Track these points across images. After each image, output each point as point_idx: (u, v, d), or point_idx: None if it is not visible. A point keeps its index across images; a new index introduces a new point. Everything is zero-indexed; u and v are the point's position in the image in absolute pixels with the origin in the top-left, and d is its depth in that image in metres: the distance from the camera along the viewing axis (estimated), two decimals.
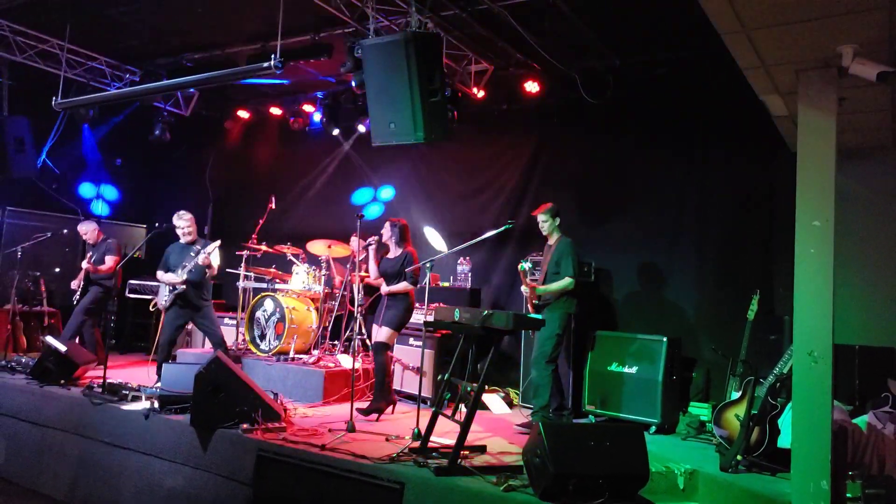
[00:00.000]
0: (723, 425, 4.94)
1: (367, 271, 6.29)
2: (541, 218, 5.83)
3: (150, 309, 6.87)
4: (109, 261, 7.52)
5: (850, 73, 3.73)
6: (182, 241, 6.54)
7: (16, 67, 8.16)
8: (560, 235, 5.82)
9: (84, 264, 7.50)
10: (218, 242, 6.31)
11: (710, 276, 6.79)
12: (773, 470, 4.48)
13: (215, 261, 6.43)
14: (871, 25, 3.49)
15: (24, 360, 6.99)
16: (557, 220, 5.82)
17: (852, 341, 5.34)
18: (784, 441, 4.56)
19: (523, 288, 5.67)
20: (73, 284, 7.62)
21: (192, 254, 6.27)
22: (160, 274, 6.48)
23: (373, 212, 9.08)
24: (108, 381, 5.90)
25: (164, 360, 6.17)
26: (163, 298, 6.45)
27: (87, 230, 7.81)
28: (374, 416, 5.72)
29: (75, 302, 7.55)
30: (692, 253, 6.88)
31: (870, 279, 5.74)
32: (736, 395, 4.96)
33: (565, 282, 5.58)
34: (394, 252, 6.10)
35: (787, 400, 4.55)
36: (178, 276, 6.30)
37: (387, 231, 6.10)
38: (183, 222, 6.52)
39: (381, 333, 5.90)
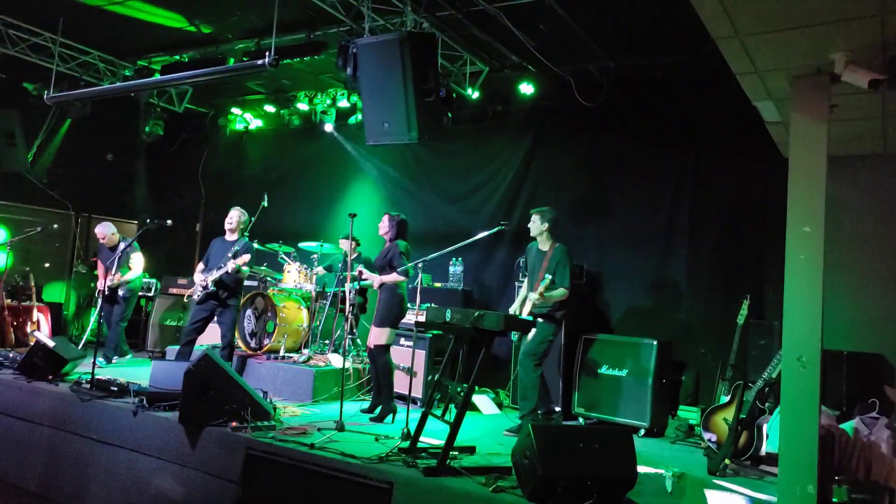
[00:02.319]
0: (711, 429, 4.97)
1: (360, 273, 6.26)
2: (535, 217, 5.71)
3: (185, 300, 6.89)
4: (136, 266, 7.62)
5: (842, 80, 3.75)
6: (226, 236, 6.66)
7: (7, 60, 8.10)
8: (554, 242, 5.71)
9: (106, 281, 7.44)
10: (247, 257, 6.33)
11: (701, 281, 6.81)
12: (760, 474, 4.51)
13: (244, 266, 6.49)
14: (863, 33, 3.51)
15: (11, 355, 6.95)
16: (546, 226, 5.66)
17: (841, 347, 5.37)
18: (772, 445, 4.59)
19: (534, 295, 5.45)
20: (100, 285, 7.63)
21: (230, 254, 6.36)
22: (198, 269, 6.64)
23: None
24: (96, 376, 5.86)
25: (184, 354, 6.37)
26: (196, 292, 6.56)
27: (106, 233, 7.75)
28: (390, 417, 5.67)
29: (100, 301, 7.58)
30: (684, 257, 6.91)
31: (859, 285, 5.78)
32: (725, 399, 4.99)
33: (561, 292, 5.49)
34: (386, 245, 6.03)
35: (775, 404, 4.58)
36: (208, 277, 6.43)
37: (384, 224, 5.96)
38: (231, 213, 6.70)
39: (376, 334, 5.76)
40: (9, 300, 8.30)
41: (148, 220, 6.77)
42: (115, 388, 5.72)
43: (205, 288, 6.45)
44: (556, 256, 5.60)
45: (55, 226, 8.78)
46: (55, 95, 7.59)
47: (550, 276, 5.39)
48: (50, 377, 6.25)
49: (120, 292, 7.60)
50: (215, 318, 6.56)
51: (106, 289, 7.46)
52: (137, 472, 5.17)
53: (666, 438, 5.81)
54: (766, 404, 4.68)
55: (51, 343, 6.42)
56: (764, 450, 4.70)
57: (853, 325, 5.67)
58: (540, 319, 5.49)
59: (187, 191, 10.73)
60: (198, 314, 6.56)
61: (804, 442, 3.65)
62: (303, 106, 9.17)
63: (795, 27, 3.50)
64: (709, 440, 4.96)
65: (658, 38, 6.45)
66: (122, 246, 7.52)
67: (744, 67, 4.10)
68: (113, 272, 7.41)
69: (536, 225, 5.72)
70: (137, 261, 7.65)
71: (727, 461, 4.56)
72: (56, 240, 9.73)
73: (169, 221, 6.72)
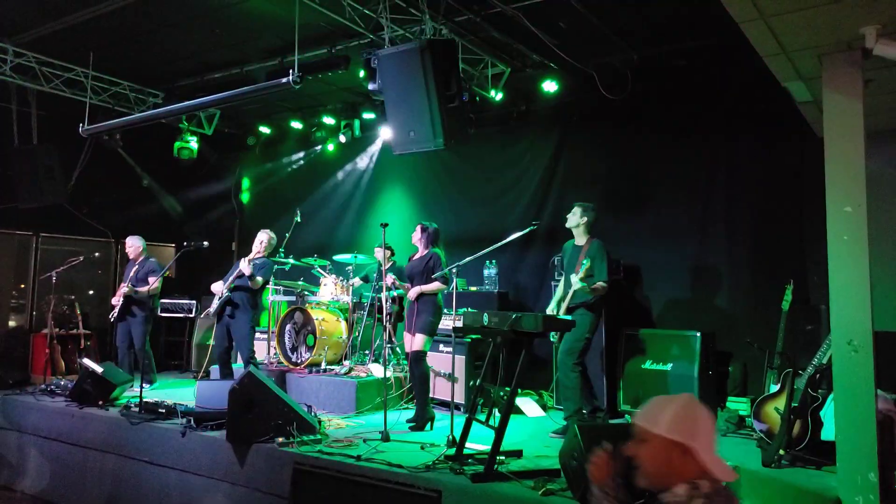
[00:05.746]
0: (763, 419, 4.85)
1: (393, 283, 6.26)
2: (577, 209, 5.67)
3: (202, 317, 7.06)
4: (151, 281, 7.55)
5: (874, 54, 3.64)
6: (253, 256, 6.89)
7: (43, 97, 8.35)
8: (591, 237, 5.68)
9: (124, 288, 7.49)
10: (244, 259, 6.45)
11: (741, 268, 6.67)
12: (817, 463, 4.38)
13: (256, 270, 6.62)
14: (893, 4, 3.40)
15: (62, 383, 7.12)
16: (585, 219, 5.64)
17: (893, 328, 5.20)
18: (827, 433, 4.46)
19: (575, 278, 5.37)
20: (114, 300, 7.65)
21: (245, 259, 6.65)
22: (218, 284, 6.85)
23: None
24: (144, 399, 5.98)
25: (225, 374, 6.64)
26: (213, 304, 6.73)
27: (132, 244, 7.87)
28: (428, 425, 5.67)
29: (112, 319, 7.60)
30: (722, 245, 6.77)
31: None
32: (775, 388, 4.87)
33: (600, 285, 5.43)
34: (420, 253, 6.03)
35: (828, 391, 4.46)
36: (225, 285, 6.66)
37: (417, 233, 6.04)
38: (260, 235, 6.93)
39: (415, 342, 5.77)
40: (56, 329, 8.53)
41: (185, 243, 6.89)
42: (163, 410, 5.82)
43: (220, 297, 6.66)
44: (592, 251, 5.53)
45: (96, 254, 8.99)
46: (90, 128, 7.79)
47: (588, 263, 5.35)
48: (100, 402, 6.39)
49: (134, 308, 7.51)
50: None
51: (121, 297, 7.47)
52: (189, 492, 5.25)
53: (716, 431, 5.69)
54: (819, 391, 4.56)
55: (99, 369, 6.56)
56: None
57: None
58: (576, 315, 5.44)
59: (222, 211, 10.92)
60: (217, 332, 6.78)
61: (861, 428, 3.54)
62: (328, 120, 9.27)
63: (821, 4, 3.41)
64: (761, 431, 4.84)
65: (680, 24, 6.36)
66: (147, 264, 7.66)
67: (770, 49, 4.00)
68: (131, 286, 7.46)
69: (576, 217, 5.68)
70: (153, 280, 7.53)
71: (782, 451, 4.45)
72: (98, 267, 9.99)
73: (206, 243, 6.84)
